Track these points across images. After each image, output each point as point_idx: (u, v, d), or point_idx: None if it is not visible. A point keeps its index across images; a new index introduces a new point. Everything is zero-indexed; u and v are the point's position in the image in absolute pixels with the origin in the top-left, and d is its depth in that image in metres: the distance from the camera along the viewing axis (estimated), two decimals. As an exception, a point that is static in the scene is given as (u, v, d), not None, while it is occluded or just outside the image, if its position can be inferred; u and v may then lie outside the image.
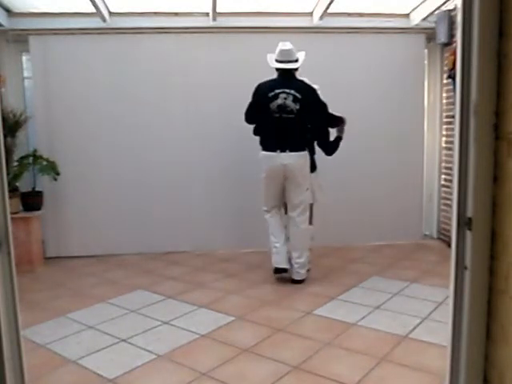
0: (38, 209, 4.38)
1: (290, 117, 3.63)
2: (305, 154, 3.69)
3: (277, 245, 3.76)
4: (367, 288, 3.68)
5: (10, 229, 1.27)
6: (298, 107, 3.61)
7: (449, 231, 4.58)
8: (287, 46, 3.66)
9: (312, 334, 2.88)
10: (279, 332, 2.92)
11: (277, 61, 3.67)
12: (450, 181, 4.54)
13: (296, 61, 3.67)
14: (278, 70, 3.70)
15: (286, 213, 3.88)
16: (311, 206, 3.90)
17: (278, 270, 3.77)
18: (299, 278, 3.79)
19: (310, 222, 3.89)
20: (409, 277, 3.88)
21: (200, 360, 2.57)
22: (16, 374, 1.30)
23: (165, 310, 3.30)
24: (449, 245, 4.27)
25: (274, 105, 3.63)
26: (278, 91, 3.63)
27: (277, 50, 3.67)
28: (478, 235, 1.30)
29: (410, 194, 4.98)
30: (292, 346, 2.73)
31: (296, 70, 3.71)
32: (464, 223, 1.31)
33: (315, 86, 3.75)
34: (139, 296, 3.61)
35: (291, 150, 3.62)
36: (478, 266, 1.31)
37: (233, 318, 3.14)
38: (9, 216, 1.27)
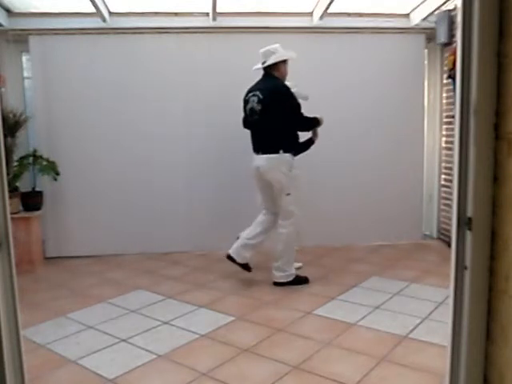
0: (38, 209, 4.38)
1: (257, 118, 3.60)
2: (275, 156, 3.54)
3: (240, 233, 3.79)
4: (367, 288, 3.68)
5: (10, 229, 1.27)
6: (260, 108, 3.56)
7: (449, 231, 4.58)
8: (267, 47, 3.63)
9: (312, 334, 2.88)
10: (279, 332, 2.92)
11: None
12: (450, 181, 4.54)
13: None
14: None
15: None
16: None
17: (228, 256, 3.73)
18: (275, 280, 3.74)
19: None
20: (409, 277, 3.89)
21: (200, 360, 2.57)
22: (16, 374, 1.30)
23: (165, 310, 3.30)
24: (449, 245, 4.27)
25: (247, 108, 3.66)
26: (250, 94, 3.65)
27: None
28: (478, 235, 1.30)
29: (410, 194, 4.98)
30: (292, 346, 2.73)
31: (270, 68, 3.60)
32: (464, 223, 1.31)
33: (293, 88, 3.58)
34: (139, 296, 3.61)
35: (263, 153, 3.59)
36: (478, 265, 1.30)
37: (233, 318, 3.14)
38: (9, 216, 1.26)
